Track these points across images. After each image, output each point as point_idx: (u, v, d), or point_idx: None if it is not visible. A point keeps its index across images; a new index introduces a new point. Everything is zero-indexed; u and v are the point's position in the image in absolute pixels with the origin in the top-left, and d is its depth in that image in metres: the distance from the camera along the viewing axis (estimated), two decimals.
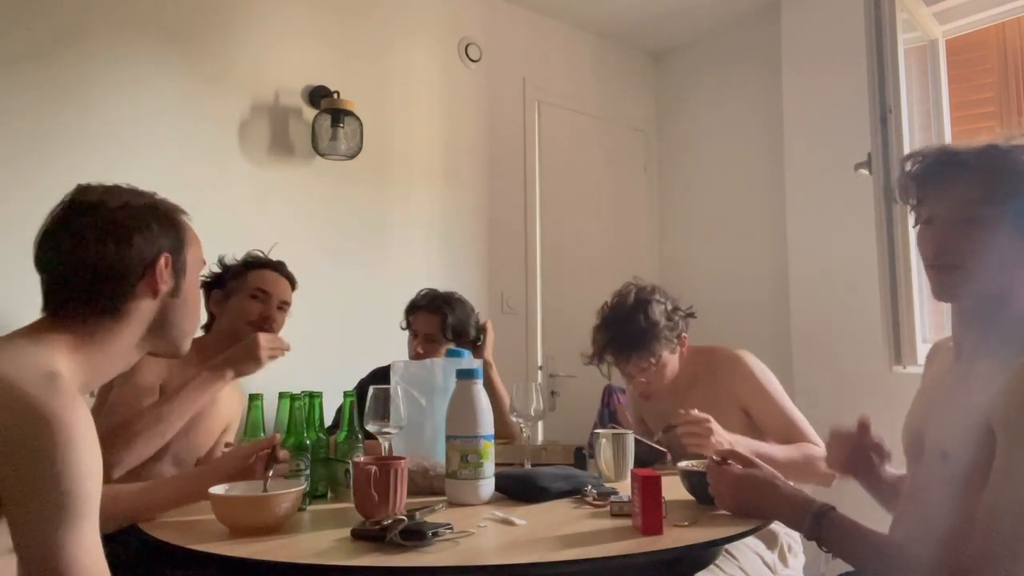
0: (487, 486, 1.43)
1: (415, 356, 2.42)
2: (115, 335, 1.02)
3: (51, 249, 1.02)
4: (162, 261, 1.05)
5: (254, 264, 1.98)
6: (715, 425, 1.66)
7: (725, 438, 1.64)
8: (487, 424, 1.44)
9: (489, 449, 1.43)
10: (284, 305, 1.96)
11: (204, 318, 1.93)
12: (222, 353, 1.68)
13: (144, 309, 1.05)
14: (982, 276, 1.11)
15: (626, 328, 1.86)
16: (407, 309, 2.49)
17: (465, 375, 1.48)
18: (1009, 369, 1.02)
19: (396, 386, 1.56)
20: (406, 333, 2.50)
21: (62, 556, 0.83)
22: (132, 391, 1.66)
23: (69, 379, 0.92)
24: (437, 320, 2.38)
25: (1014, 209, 1.08)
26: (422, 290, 2.50)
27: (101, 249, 1.01)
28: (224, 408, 1.84)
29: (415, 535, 1.08)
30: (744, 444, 1.64)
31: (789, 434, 1.82)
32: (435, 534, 1.10)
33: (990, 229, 1.09)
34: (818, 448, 1.77)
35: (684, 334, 1.95)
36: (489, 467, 1.43)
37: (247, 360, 1.66)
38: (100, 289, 1.01)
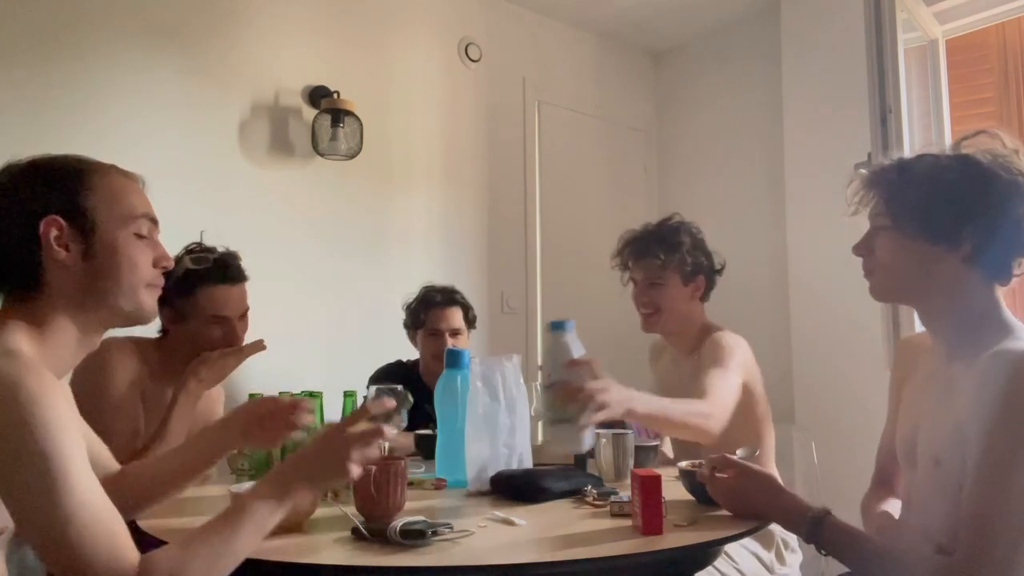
0: (589, 436, 1.38)
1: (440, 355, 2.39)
2: (51, 311, 0.98)
3: None
4: (49, 225, 0.96)
5: (198, 280, 1.73)
6: (613, 393, 1.40)
7: (615, 398, 1.40)
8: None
9: None
10: (244, 314, 1.82)
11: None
12: (186, 368, 1.67)
13: (62, 278, 0.98)
14: (898, 281, 1.19)
15: (650, 233, 1.99)
16: (420, 307, 2.42)
17: (557, 327, 1.44)
18: (977, 369, 1.03)
19: (476, 381, 1.55)
20: (405, 333, 2.50)
21: (59, 519, 0.82)
22: (111, 401, 1.64)
23: (31, 357, 0.90)
24: (460, 312, 2.40)
25: (908, 215, 1.15)
26: (424, 286, 2.49)
27: None
28: (206, 404, 1.84)
29: (415, 535, 1.08)
30: (641, 400, 1.50)
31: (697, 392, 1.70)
32: (435, 534, 1.10)
33: (888, 237, 1.19)
34: (702, 404, 1.64)
35: (701, 276, 1.96)
36: (586, 418, 1.35)
37: (200, 382, 1.65)
38: (5, 267, 0.98)
